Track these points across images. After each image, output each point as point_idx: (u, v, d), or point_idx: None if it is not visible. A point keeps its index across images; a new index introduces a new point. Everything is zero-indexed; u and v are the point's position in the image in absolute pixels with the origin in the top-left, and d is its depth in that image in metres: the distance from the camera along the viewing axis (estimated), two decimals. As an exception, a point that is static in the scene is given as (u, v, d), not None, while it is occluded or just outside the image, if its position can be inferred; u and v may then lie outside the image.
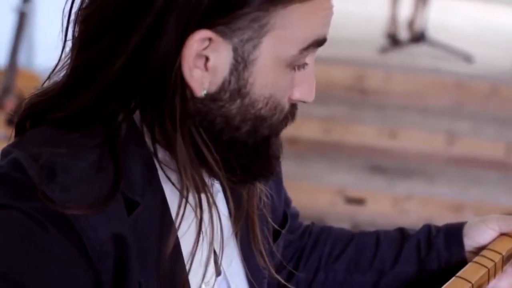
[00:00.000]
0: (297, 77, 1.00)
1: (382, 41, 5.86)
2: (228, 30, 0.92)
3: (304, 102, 1.03)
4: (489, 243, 1.23)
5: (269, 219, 1.17)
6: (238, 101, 0.96)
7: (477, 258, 1.18)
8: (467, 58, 5.54)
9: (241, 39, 0.93)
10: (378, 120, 4.71)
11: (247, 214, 1.12)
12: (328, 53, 5.05)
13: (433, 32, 5.81)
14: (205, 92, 0.95)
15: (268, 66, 0.95)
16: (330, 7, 0.99)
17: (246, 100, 0.96)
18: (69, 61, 1.00)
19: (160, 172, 0.98)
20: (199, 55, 0.93)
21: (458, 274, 1.14)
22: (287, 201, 1.30)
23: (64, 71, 1.01)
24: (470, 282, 1.12)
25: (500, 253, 1.18)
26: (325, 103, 4.68)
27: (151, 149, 0.97)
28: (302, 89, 1.01)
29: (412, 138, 4.57)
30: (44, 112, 0.98)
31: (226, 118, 0.97)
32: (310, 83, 1.02)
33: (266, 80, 0.96)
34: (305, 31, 0.96)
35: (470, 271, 1.15)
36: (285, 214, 1.26)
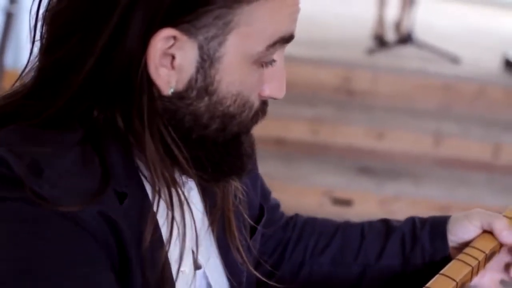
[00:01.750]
0: (266, 74, 1.00)
1: (369, 42, 5.87)
2: (193, 28, 0.92)
3: (274, 98, 1.03)
4: (472, 240, 1.23)
5: (245, 216, 1.17)
6: (206, 98, 0.96)
7: (461, 256, 1.19)
8: (454, 60, 5.55)
9: (206, 36, 0.93)
10: (365, 121, 4.71)
11: (222, 211, 1.12)
12: (315, 55, 5.07)
13: (420, 33, 5.83)
14: (172, 90, 0.95)
15: (235, 63, 0.96)
16: (295, 4, 0.99)
17: (214, 98, 0.96)
18: (37, 62, 1.00)
19: (138, 162, 0.99)
20: (164, 54, 0.93)
21: (442, 271, 1.15)
22: (265, 194, 1.30)
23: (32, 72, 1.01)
24: (454, 280, 1.13)
25: (483, 252, 1.19)
26: (313, 104, 4.68)
27: (128, 141, 0.97)
28: (272, 86, 1.01)
29: (400, 140, 4.58)
30: (12, 114, 0.97)
31: (194, 116, 0.97)
32: (280, 80, 1.02)
33: (233, 77, 0.96)
34: (271, 27, 0.96)
35: (455, 269, 1.16)
36: (261, 208, 1.26)
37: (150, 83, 0.94)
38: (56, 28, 0.96)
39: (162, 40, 0.92)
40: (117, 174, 0.95)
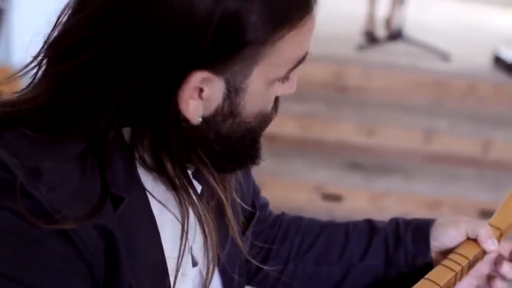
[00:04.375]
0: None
1: (359, 38, 5.88)
2: (222, 68, 0.94)
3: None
4: (456, 246, 1.25)
5: (239, 207, 1.19)
6: (230, 120, 0.99)
7: (445, 261, 1.21)
8: (445, 56, 5.57)
9: (232, 71, 0.95)
10: (356, 117, 4.73)
11: (218, 201, 1.14)
12: (307, 51, 5.07)
13: (410, 30, 5.84)
14: (200, 119, 0.97)
15: (259, 89, 0.98)
16: (314, 27, 1.01)
17: (238, 119, 1.00)
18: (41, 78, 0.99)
19: (139, 169, 1.00)
20: (194, 88, 0.95)
21: (427, 276, 1.17)
22: (256, 191, 1.32)
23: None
24: (438, 284, 1.16)
25: (467, 258, 1.21)
26: (304, 100, 4.69)
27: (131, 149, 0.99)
28: (285, 88, 1.05)
29: (390, 136, 4.60)
30: (16, 119, 0.97)
31: (218, 133, 1.00)
32: (293, 79, 1.06)
33: (257, 101, 1.00)
34: (293, 54, 0.99)
35: (439, 274, 1.18)
36: (253, 204, 1.28)
37: (178, 115, 0.96)
38: (80, 65, 0.94)
39: (193, 81, 0.93)
40: (116, 177, 0.96)
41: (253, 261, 1.22)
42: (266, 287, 1.36)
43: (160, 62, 0.92)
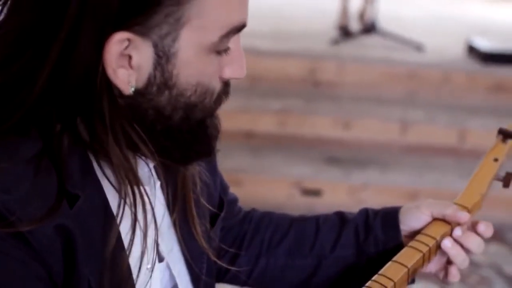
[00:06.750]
0: (224, 59, 1.01)
1: (333, 33, 5.90)
2: (145, 28, 0.93)
3: (236, 78, 1.05)
4: (423, 227, 1.26)
5: (206, 204, 1.19)
6: (166, 92, 0.98)
7: (412, 243, 1.22)
8: (419, 48, 5.60)
9: (159, 34, 0.94)
10: (332, 111, 4.74)
11: (183, 198, 1.14)
12: (281, 47, 5.10)
13: (384, 23, 5.87)
14: (133, 89, 0.96)
15: (190, 56, 0.97)
16: None
17: (174, 91, 0.98)
18: None
19: (95, 165, 1.00)
20: (121, 55, 0.94)
21: (395, 258, 1.18)
22: (224, 188, 1.33)
23: None
24: (406, 266, 1.16)
25: (434, 238, 1.22)
26: (280, 96, 4.71)
27: (86, 151, 0.98)
28: (232, 68, 1.03)
29: (366, 128, 4.62)
30: None
31: (156, 109, 0.98)
32: (240, 61, 1.04)
33: (191, 70, 0.98)
34: (222, 18, 0.97)
35: (406, 256, 1.19)
36: (221, 200, 1.29)
37: (110, 86, 0.95)
38: (7, 46, 0.96)
39: (116, 44, 0.93)
40: (71, 175, 0.96)
41: (219, 262, 1.22)
42: (239, 283, 1.37)
43: (76, 25, 0.91)
